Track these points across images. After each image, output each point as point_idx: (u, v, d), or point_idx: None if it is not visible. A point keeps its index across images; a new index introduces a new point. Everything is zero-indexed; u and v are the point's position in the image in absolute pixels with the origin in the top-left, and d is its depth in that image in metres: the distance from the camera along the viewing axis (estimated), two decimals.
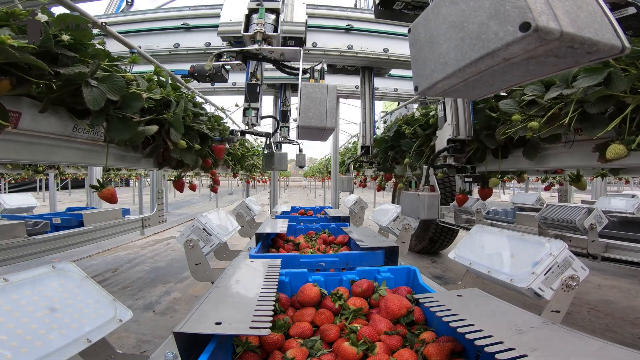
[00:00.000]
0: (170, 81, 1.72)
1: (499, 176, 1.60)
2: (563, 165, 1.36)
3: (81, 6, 1.63)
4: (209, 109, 3.01)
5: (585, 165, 1.26)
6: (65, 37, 0.98)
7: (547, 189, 4.48)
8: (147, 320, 2.39)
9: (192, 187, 2.26)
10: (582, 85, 1.00)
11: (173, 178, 1.93)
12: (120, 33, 1.94)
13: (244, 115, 2.52)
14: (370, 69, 2.92)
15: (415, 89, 0.71)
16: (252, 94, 2.50)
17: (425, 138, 2.08)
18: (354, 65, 3.00)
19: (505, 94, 1.47)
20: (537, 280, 1.02)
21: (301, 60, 1.52)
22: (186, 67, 1.60)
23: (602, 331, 2.28)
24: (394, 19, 2.05)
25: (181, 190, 1.98)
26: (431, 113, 2.03)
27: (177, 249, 4.62)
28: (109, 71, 1.14)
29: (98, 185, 1.26)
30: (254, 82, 2.39)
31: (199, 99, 2.36)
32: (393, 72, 3.63)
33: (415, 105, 3.63)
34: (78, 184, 12.50)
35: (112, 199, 1.26)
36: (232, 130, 2.82)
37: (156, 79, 1.55)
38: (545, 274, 1.03)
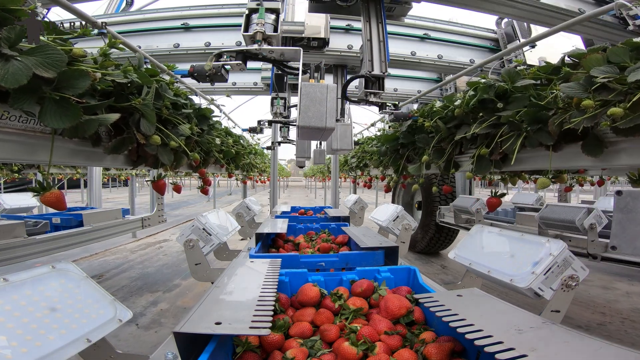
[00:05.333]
0: (149, 65, 1.49)
1: (550, 176, 1.34)
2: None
3: (80, 6, 1.63)
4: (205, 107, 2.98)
5: None
6: None
7: (567, 189, 4.31)
8: (128, 335, 2.13)
9: (177, 189, 1.94)
10: None
11: (151, 179, 1.62)
12: (120, 33, 1.94)
13: (272, 105, 2.47)
14: None
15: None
16: (279, 84, 2.51)
17: (447, 132, 1.80)
18: None
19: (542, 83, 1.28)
20: (537, 280, 1.02)
21: (301, 60, 1.52)
22: (186, 67, 1.59)
23: None
24: (327, 11, 2.14)
25: (162, 193, 1.73)
26: (456, 102, 1.73)
27: (169, 253, 4.34)
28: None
29: (39, 187, 0.97)
30: (280, 72, 2.38)
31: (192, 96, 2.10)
32: (393, 72, 3.63)
33: (415, 105, 3.62)
34: (75, 184, 12.33)
35: (58, 205, 0.98)
36: (259, 121, 2.72)
37: (110, 53, 1.16)
38: (545, 274, 1.03)
